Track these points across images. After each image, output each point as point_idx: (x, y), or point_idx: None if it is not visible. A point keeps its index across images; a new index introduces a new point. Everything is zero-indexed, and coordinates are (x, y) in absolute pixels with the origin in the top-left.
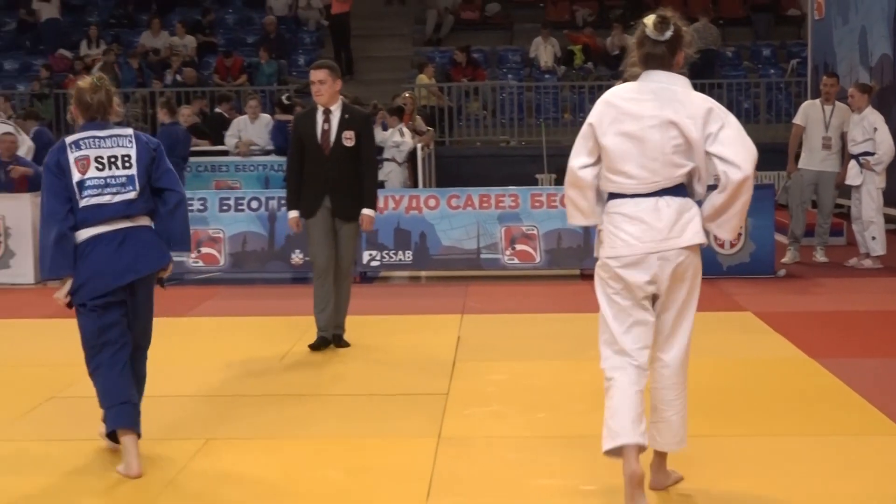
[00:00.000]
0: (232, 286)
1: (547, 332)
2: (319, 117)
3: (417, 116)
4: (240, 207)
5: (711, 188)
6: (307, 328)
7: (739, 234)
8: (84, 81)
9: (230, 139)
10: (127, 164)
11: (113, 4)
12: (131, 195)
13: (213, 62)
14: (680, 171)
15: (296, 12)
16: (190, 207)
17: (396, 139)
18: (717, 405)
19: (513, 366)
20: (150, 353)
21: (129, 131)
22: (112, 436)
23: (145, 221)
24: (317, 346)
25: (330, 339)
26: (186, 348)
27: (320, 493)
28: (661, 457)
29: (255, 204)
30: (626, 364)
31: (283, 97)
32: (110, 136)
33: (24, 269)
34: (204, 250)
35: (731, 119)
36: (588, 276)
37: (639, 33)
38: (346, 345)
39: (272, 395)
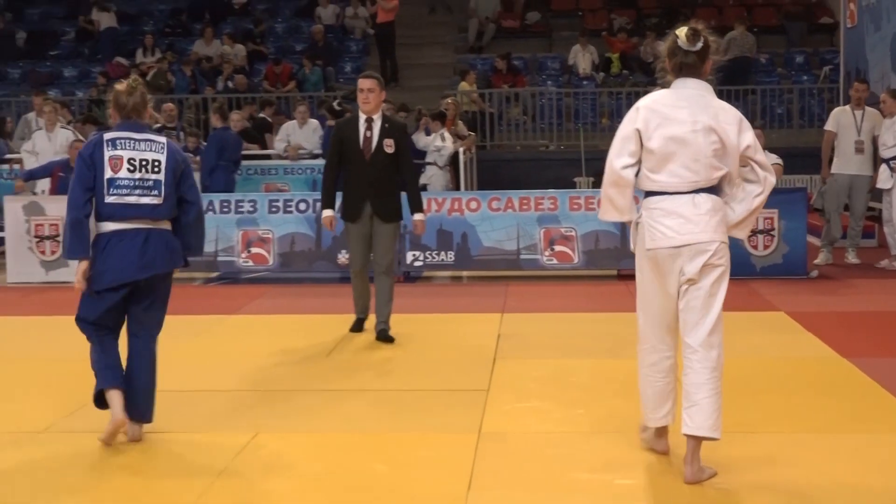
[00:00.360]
0: (280, 285)
1: (585, 330)
2: (362, 125)
3: (459, 121)
4: (288, 209)
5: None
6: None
7: (772, 236)
8: (120, 85)
9: (279, 143)
10: (156, 170)
11: (168, 14)
12: (157, 199)
13: (263, 69)
14: (717, 174)
15: (343, 21)
16: (240, 209)
17: (438, 143)
18: (751, 402)
19: (552, 363)
20: (202, 348)
21: (163, 139)
22: (101, 400)
23: (166, 225)
24: (355, 328)
25: (365, 319)
26: (237, 344)
27: (364, 485)
28: (694, 445)
29: (303, 206)
30: (652, 349)
31: (335, 103)
32: (145, 140)
33: None
34: (254, 250)
35: None
36: (625, 277)
37: (670, 44)
38: (391, 340)
39: (319, 390)
